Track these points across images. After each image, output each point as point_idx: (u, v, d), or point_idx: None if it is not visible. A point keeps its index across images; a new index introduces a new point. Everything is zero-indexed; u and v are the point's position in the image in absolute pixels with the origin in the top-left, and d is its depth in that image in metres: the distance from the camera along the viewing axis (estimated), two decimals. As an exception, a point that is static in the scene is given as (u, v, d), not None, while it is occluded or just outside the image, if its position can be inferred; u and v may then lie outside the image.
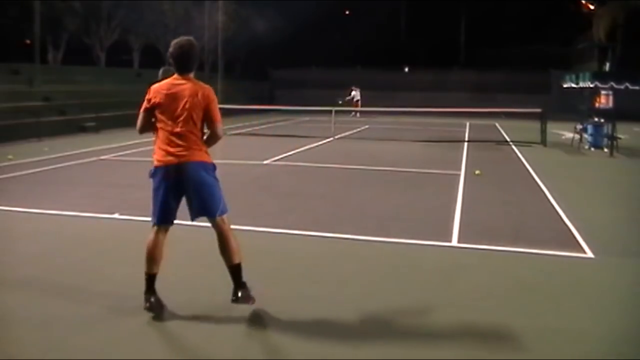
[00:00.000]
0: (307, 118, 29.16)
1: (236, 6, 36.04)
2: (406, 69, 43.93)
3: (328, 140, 18.75)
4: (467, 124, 25.91)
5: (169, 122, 4.47)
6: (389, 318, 4.60)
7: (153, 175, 4.55)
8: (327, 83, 36.83)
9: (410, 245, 6.67)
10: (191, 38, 4.64)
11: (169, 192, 4.48)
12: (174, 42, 4.59)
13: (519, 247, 6.56)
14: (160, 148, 4.53)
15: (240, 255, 4.59)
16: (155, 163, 4.54)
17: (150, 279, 4.57)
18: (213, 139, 4.65)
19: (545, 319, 4.59)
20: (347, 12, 48.72)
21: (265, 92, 39.39)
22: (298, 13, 36.35)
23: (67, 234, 7.01)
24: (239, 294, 4.54)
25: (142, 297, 4.82)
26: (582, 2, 34.73)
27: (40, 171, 11.81)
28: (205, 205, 4.49)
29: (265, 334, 4.28)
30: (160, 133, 4.54)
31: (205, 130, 4.64)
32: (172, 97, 4.47)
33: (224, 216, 4.56)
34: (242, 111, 25.78)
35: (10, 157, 13.42)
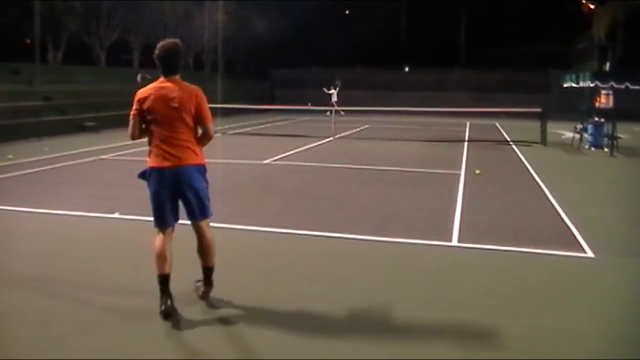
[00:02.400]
0: (307, 118, 29.15)
1: (236, 6, 36.01)
2: (406, 69, 43.89)
3: (328, 140, 18.75)
4: (467, 124, 25.90)
5: (162, 126, 4.48)
6: (389, 318, 4.59)
7: (146, 177, 4.60)
8: (327, 83, 36.78)
9: (410, 245, 6.67)
10: (177, 40, 4.63)
11: (167, 194, 4.53)
12: (159, 44, 4.56)
13: (519, 247, 6.56)
14: (155, 151, 4.56)
15: (215, 258, 4.78)
16: (151, 164, 4.56)
17: (164, 280, 4.53)
18: (205, 138, 4.68)
19: (546, 319, 4.59)
20: (347, 12, 48.69)
21: (265, 92, 39.38)
22: (298, 13, 36.31)
23: (67, 234, 7.01)
24: (205, 290, 4.79)
25: (142, 296, 4.84)
26: (582, 2, 34.72)
27: (40, 171, 11.81)
28: (197, 208, 4.58)
29: (264, 334, 4.28)
30: (154, 136, 4.56)
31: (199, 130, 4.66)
32: (161, 100, 4.46)
33: (207, 220, 4.69)
34: (242, 111, 25.79)
35: (10, 157, 13.42)
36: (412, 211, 8.54)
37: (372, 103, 30.08)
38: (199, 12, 33.04)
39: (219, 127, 20.81)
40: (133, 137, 4.65)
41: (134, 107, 4.54)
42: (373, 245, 6.66)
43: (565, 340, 4.26)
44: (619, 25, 30.97)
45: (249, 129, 22.70)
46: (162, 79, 4.54)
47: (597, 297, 5.19)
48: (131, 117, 4.57)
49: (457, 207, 8.62)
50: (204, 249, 4.70)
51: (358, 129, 23.19)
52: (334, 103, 30.98)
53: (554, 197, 9.49)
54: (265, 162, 13.36)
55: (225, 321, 4.47)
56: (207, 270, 4.78)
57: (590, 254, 6.38)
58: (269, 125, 25.28)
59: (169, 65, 4.52)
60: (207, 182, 4.66)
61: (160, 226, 4.57)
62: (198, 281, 4.86)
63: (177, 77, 4.57)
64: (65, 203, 8.52)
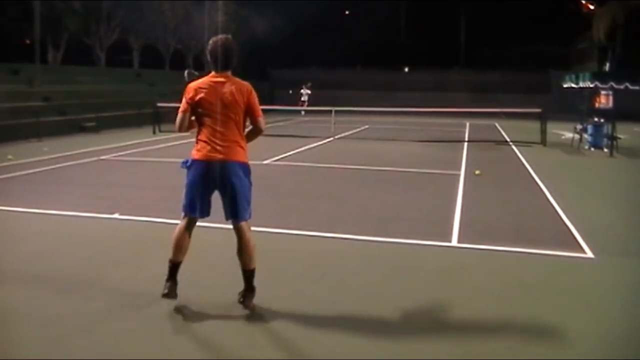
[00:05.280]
0: (307, 118, 29.16)
1: (236, 6, 36.01)
2: (406, 69, 43.89)
3: (328, 140, 18.75)
4: (467, 124, 25.90)
5: (211, 120, 4.49)
6: (388, 318, 4.60)
7: (188, 166, 4.56)
8: (327, 83, 36.80)
9: (410, 245, 6.67)
10: (229, 36, 4.66)
11: (204, 186, 4.52)
12: (212, 39, 4.61)
13: (519, 247, 6.56)
14: (201, 144, 4.52)
15: (255, 261, 4.63)
16: (195, 156, 4.52)
17: (174, 267, 4.62)
18: (255, 133, 4.74)
19: (545, 319, 4.59)
20: (347, 12, 48.70)
21: (265, 92, 39.34)
22: (298, 13, 36.32)
23: (67, 234, 7.01)
24: (246, 298, 4.63)
25: (142, 297, 4.84)
26: (582, 2, 34.72)
27: (40, 171, 11.81)
28: (237, 208, 4.52)
29: (264, 334, 4.28)
30: (203, 130, 4.54)
31: (247, 125, 4.68)
32: (214, 95, 4.48)
33: (247, 221, 4.60)
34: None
35: (10, 157, 13.42)
36: (411, 211, 8.55)
37: (372, 103, 30.09)
38: (199, 13, 33.04)
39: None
40: (181, 130, 4.63)
41: (185, 100, 4.55)
42: (372, 245, 6.66)
43: (565, 340, 4.26)
44: (618, 26, 30.95)
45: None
46: (213, 73, 4.56)
47: (597, 297, 5.19)
48: (181, 109, 4.58)
49: (457, 208, 8.62)
50: (242, 250, 4.59)
51: (358, 130, 23.19)
52: (304, 102, 31.41)
53: (553, 197, 9.49)
54: (266, 162, 13.36)
55: (225, 321, 4.47)
56: (247, 273, 4.63)
57: (589, 254, 6.38)
58: (269, 125, 25.14)
59: (222, 60, 4.53)
60: (250, 183, 4.62)
61: (187, 213, 4.58)
62: (240, 293, 4.70)
63: (229, 72, 4.59)
64: (65, 203, 8.52)
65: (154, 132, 20.04)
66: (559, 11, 40.97)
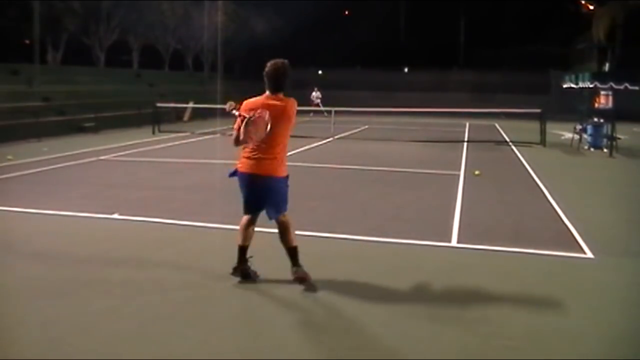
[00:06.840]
0: (307, 118, 29.16)
1: (235, 6, 36.02)
2: (406, 69, 43.93)
3: (328, 140, 18.75)
4: (467, 124, 25.90)
5: (260, 136, 4.82)
6: (388, 318, 4.59)
7: (233, 175, 5.17)
8: (326, 83, 36.79)
9: (410, 245, 6.67)
10: (285, 61, 4.99)
11: (248, 193, 5.10)
12: (270, 62, 4.96)
13: (518, 247, 6.56)
14: (245, 157, 5.01)
15: (295, 240, 5.22)
16: (239, 168, 5.07)
17: (241, 250, 5.20)
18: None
19: (545, 319, 4.59)
20: (347, 12, 48.73)
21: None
22: (298, 13, 36.33)
23: (66, 235, 7.00)
24: (295, 271, 5.17)
25: (142, 297, 4.85)
26: (581, 2, 34.76)
27: (40, 171, 11.81)
28: (273, 209, 5.12)
29: (264, 335, 4.28)
30: (251, 144, 4.92)
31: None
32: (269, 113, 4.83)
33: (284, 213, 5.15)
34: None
35: (9, 157, 13.41)
36: (411, 212, 8.55)
37: (372, 103, 30.09)
38: (198, 13, 33.05)
39: (218, 128, 20.84)
40: (237, 144, 5.03)
41: (240, 116, 4.86)
42: (372, 245, 6.65)
43: (565, 340, 4.26)
44: (618, 26, 30.98)
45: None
46: (268, 94, 4.94)
47: (597, 297, 5.19)
48: (237, 126, 4.90)
49: (457, 208, 8.62)
50: (280, 234, 5.22)
51: (357, 130, 23.19)
52: (318, 104, 31.59)
53: (553, 197, 9.49)
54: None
55: (225, 323, 4.47)
56: (289, 251, 5.24)
57: (589, 254, 6.38)
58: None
59: (277, 83, 4.91)
60: (287, 186, 5.17)
61: (244, 213, 5.28)
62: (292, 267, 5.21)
63: (281, 94, 4.96)
64: (64, 203, 8.51)
65: (154, 133, 20.03)
66: (559, 11, 41.01)
